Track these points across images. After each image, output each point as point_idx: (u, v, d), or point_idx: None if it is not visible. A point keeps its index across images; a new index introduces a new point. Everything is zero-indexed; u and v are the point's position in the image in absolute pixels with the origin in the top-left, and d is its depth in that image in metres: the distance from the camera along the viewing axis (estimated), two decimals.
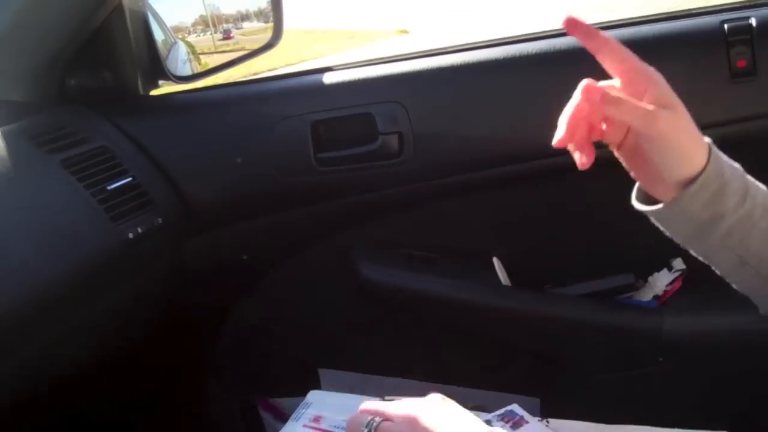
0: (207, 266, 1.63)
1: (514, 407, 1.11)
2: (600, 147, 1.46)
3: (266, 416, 1.85)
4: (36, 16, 1.32)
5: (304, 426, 1.07)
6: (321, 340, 1.77)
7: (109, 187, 1.32)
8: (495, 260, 1.60)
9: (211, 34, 1.70)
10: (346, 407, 1.01)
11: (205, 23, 1.70)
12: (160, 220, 1.38)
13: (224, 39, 1.66)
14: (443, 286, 1.56)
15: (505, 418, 1.09)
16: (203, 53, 1.69)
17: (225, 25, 1.70)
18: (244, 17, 1.74)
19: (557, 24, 1.55)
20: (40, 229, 1.18)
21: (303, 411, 1.10)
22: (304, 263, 1.69)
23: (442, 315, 1.61)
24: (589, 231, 1.59)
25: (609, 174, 1.54)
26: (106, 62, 1.47)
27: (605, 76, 1.46)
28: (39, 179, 1.25)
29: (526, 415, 1.09)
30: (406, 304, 1.62)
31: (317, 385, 1.75)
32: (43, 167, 1.27)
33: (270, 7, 1.65)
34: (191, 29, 1.71)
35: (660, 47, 1.44)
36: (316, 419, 1.08)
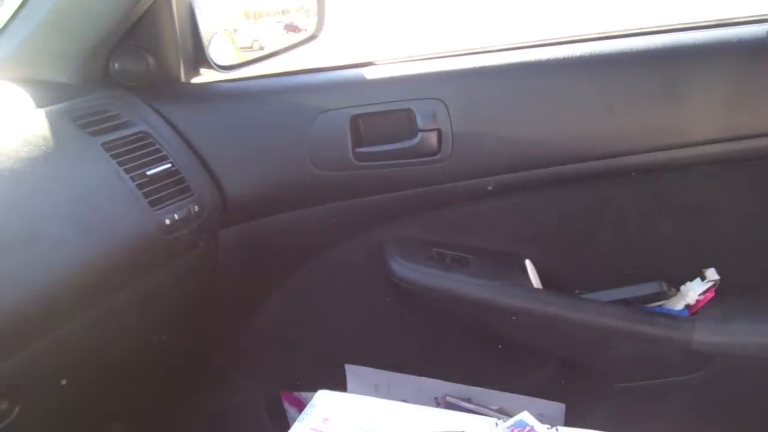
0: (239, 257, 1.64)
1: (524, 416, 1.10)
2: (639, 153, 1.47)
3: (291, 410, 1.86)
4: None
5: (311, 429, 1.06)
6: (349, 336, 1.77)
7: (148, 173, 1.32)
8: (527, 263, 1.60)
9: (252, 25, 1.70)
10: (354, 409, 1.00)
11: (248, 15, 1.71)
12: (196, 208, 1.39)
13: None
14: (474, 287, 1.56)
15: (513, 431, 1.08)
16: (244, 45, 1.70)
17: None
18: (285, 11, 1.74)
19: (594, 28, 1.56)
20: (80, 210, 1.19)
21: (309, 411, 1.10)
22: (336, 257, 1.69)
23: (471, 315, 1.61)
24: (623, 237, 1.58)
25: (644, 181, 1.55)
26: (150, 48, 1.47)
27: (644, 82, 1.47)
28: (80, 161, 1.26)
29: (537, 425, 1.08)
30: (436, 302, 1.61)
31: (343, 381, 1.76)
32: (85, 149, 1.28)
33: (312, 2, 1.65)
34: (234, 20, 1.72)
35: (706, 55, 1.43)
36: (324, 421, 1.08)
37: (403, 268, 1.59)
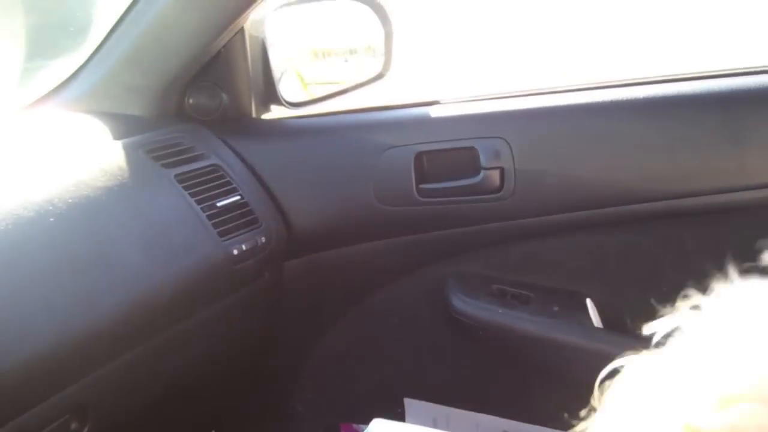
0: (303, 288, 1.67)
1: None
2: (701, 195, 1.47)
3: None
4: (164, 37, 1.39)
5: None
6: (409, 370, 1.78)
7: (218, 204, 1.37)
8: (588, 302, 1.60)
9: (321, 64, 1.75)
10: None
11: (316, 54, 1.76)
12: (263, 239, 1.42)
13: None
14: (535, 324, 1.56)
15: None
16: (312, 83, 1.74)
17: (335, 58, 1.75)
18: (353, 51, 1.78)
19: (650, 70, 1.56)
20: (152, 238, 1.24)
21: None
22: (398, 292, 1.70)
23: (531, 353, 1.61)
24: (685, 279, 1.57)
25: (708, 223, 1.53)
26: (224, 84, 1.52)
27: (706, 125, 1.46)
28: (153, 191, 1.31)
29: None
30: (496, 339, 1.62)
31: (402, 414, 1.76)
32: (158, 180, 1.32)
33: (380, 42, 1.69)
34: (303, 59, 1.76)
35: (746, 102, 1.44)
36: None
37: (464, 304, 1.60)
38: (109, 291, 1.13)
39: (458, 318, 1.60)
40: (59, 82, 1.47)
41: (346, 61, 1.77)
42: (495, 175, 1.50)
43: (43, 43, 1.69)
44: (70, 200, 1.15)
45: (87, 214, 1.17)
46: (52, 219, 1.11)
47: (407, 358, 1.77)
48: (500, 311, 1.57)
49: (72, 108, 1.45)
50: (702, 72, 1.53)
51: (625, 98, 1.48)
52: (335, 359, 1.81)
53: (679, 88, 1.48)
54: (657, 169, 1.49)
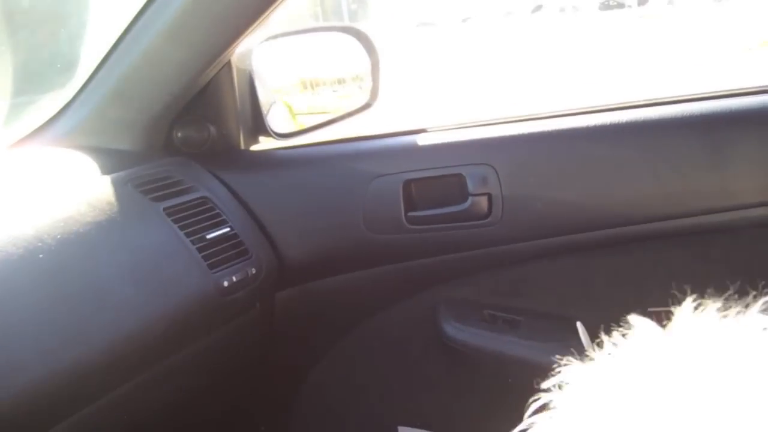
0: (295, 318, 1.67)
1: None
2: (686, 217, 1.48)
3: None
4: (150, 71, 1.39)
5: None
6: (402, 397, 1.78)
7: (208, 236, 1.37)
8: (579, 325, 1.60)
9: (308, 95, 1.76)
10: None
11: (304, 85, 1.77)
12: (254, 270, 1.43)
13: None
14: (526, 349, 1.56)
15: None
16: (300, 113, 1.75)
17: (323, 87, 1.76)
18: (341, 81, 1.80)
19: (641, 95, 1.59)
20: (142, 271, 1.24)
21: None
22: (389, 319, 1.71)
23: (523, 377, 1.61)
24: (673, 301, 1.58)
25: (694, 244, 1.55)
26: (211, 117, 1.53)
27: (690, 147, 1.48)
28: (143, 226, 1.31)
29: None
30: (488, 364, 1.62)
31: None
32: (148, 214, 1.33)
33: (367, 72, 1.71)
34: (290, 90, 1.77)
35: (749, 120, 1.45)
36: None
37: (456, 330, 1.60)
38: (100, 326, 1.13)
39: (450, 344, 1.60)
40: (47, 118, 1.48)
41: (334, 91, 1.78)
42: (483, 201, 1.51)
43: (30, 79, 1.70)
44: (59, 236, 1.15)
45: (76, 250, 1.17)
46: (41, 255, 1.11)
47: (400, 385, 1.77)
48: (492, 336, 1.58)
49: (60, 144, 1.45)
50: (683, 95, 1.55)
51: (608, 123, 1.49)
52: (328, 388, 1.81)
53: (661, 112, 1.50)
54: (642, 191, 1.50)
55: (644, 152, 1.49)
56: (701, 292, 1.55)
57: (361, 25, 1.80)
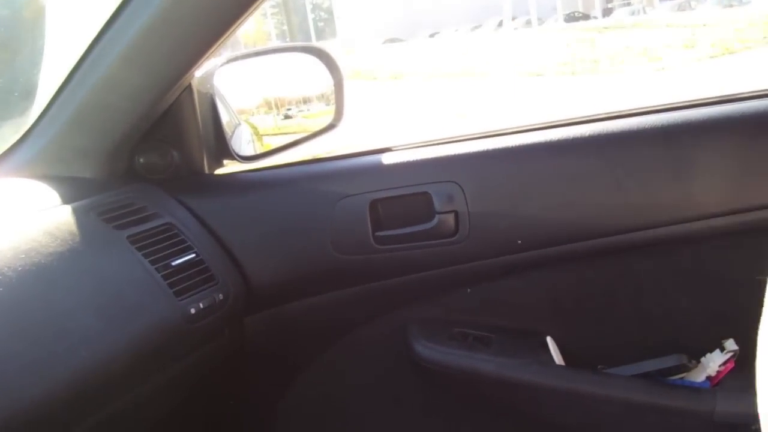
0: (265, 343, 1.65)
1: None
2: (652, 228, 1.49)
3: None
4: (110, 98, 1.38)
5: None
6: (375, 418, 1.77)
7: (173, 263, 1.35)
8: (549, 340, 1.60)
9: (273, 116, 1.75)
10: None
11: (268, 105, 1.76)
12: (221, 296, 1.41)
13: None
14: (497, 366, 1.56)
15: None
16: (266, 134, 1.74)
17: (287, 108, 1.75)
18: (306, 100, 1.79)
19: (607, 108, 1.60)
20: (106, 301, 1.22)
21: None
22: (359, 340, 1.70)
23: (495, 394, 1.61)
24: (641, 311, 1.59)
25: (660, 255, 1.56)
26: (174, 142, 1.51)
27: (652, 159, 1.50)
28: (106, 255, 1.29)
29: None
30: (460, 382, 1.62)
31: None
32: (110, 243, 1.31)
33: (332, 91, 1.70)
34: (254, 111, 1.77)
35: (711, 130, 1.47)
36: None
37: (427, 350, 1.60)
38: (64, 358, 1.11)
39: (421, 364, 1.60)
40: (6, 147, 1.46)
41: (300, 111, 1.78)
42: (449, 219, 1.51)
43: None
44: (20, 268, 1.13)
45: (38, 281, 1.15)
46: (1, 288, 1.09)
47: (373, 407, 1.76)
48: (463, 354, 1.57)
49: (20, 173, 1.43)
50: (644, 108, 1.56)
51: (571, 137, 1.50)
52: (300, 412, 1.80)
53: (622, 125, 1.51)
54: (606, 204, 1.51)
55: (607, 165, 1.50)
56: (670, 302, 1.57)
57: (323, 45, 1.79)
